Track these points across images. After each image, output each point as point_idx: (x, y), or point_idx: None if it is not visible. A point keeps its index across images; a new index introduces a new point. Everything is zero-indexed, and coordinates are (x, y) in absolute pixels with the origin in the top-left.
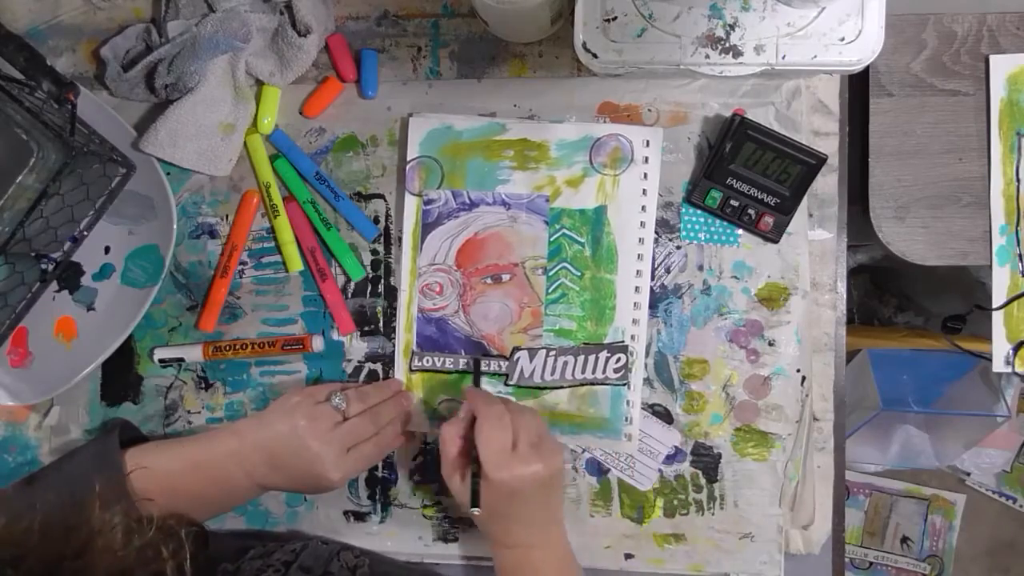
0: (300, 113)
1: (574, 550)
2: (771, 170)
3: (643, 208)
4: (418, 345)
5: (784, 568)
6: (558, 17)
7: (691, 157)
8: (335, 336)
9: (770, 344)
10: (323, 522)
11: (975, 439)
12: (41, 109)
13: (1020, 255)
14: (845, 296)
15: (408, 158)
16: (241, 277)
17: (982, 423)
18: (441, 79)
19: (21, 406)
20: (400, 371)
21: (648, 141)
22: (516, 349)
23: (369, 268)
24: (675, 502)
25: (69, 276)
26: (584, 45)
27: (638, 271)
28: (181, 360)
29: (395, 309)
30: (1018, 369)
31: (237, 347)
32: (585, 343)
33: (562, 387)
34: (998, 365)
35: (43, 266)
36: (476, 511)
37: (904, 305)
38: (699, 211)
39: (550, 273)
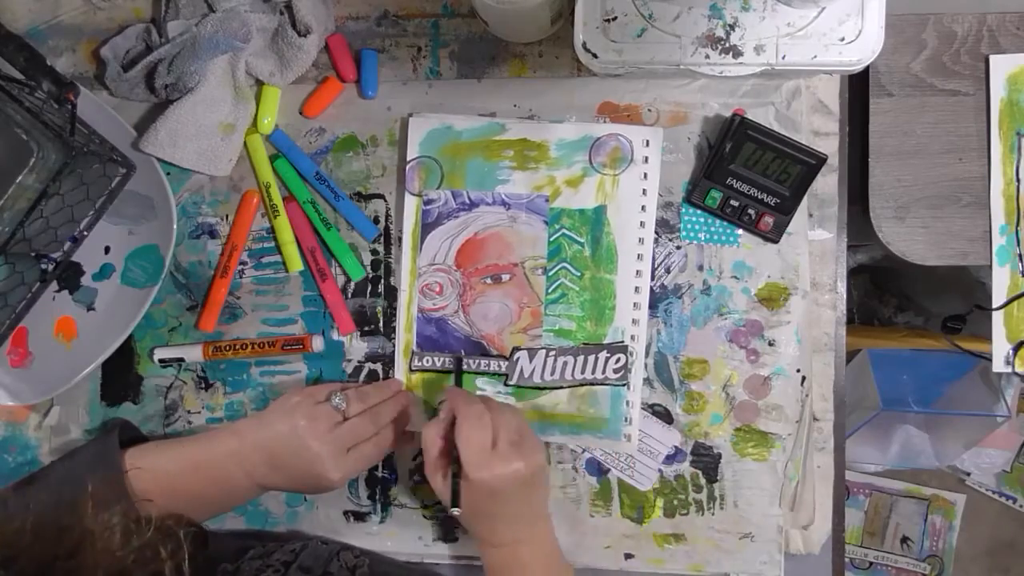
0: (300, 113)
1: (574, 550)
2: (771, 170)
3: (643, 208)
4: (418, 345)
5: (784, 568)
6: (558, 17)
7: (691, 157)
8: (335, 336)
9: (770, 344)
10: (323, 522)
11: (975, 439)
12: (41, 109)
13: (1020, 255)
14: (845, 296)
15: (408, 158)
16: (241, 277)
17: (982, 423)
18: (441, 79)
19: (21, 406)
20: (400, 371)
21: (648, 141)
22: (516, 349)
23: (369, 268)
24: (675, 502)
25: (69, 276)
26: (584, 45)
27: (638, 271)
28: (181, 360)
29: (395, 309)
30: (1018, 369)
31: (237, 347)
32: (585, 343)
33: (562, 387)
34: (998, 365)
35: (43, 266)
36: (456, 511)
37: (904, 305)
38: (699, 211)
39: (550, 273)
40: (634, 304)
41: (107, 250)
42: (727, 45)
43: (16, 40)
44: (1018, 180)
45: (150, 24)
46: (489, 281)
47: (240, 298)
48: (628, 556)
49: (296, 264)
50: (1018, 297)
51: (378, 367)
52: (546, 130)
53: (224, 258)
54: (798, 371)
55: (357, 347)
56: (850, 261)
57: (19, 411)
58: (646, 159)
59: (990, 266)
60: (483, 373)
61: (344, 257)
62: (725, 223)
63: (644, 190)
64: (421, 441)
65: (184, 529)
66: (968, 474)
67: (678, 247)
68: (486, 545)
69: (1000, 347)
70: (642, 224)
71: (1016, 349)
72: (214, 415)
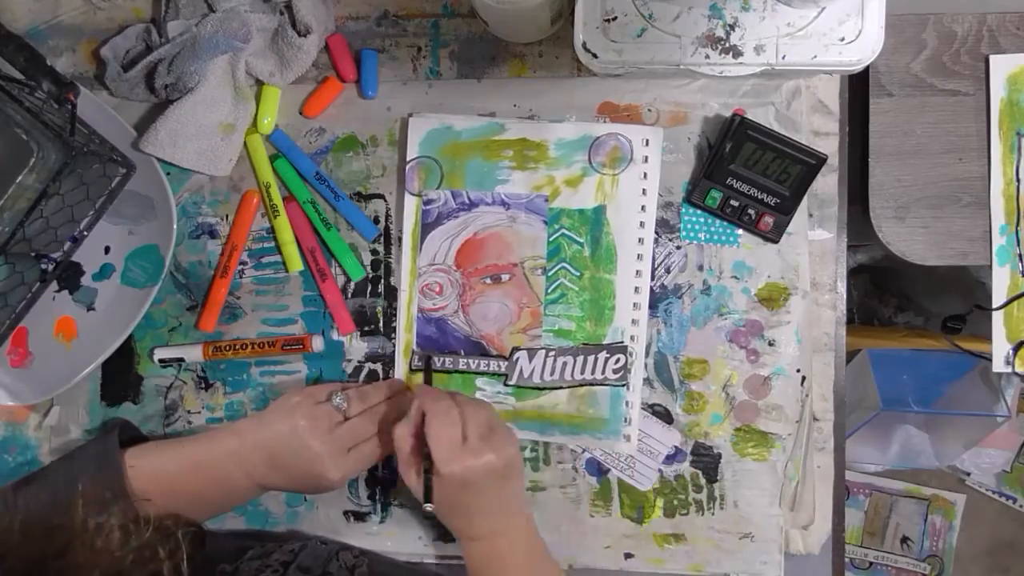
0: (300, 113)
1: (574, 550)
2: (771, 170)
3: (643, 208)
4: (418, 345)
5: (784, 568)
6: (558, 17)
7: (691, 157)
8: (335, 336)
9: (770, 344)
10: (323, 522)
11: (975, 439)
12: (41, 109)
13: (1020, 255)
14: (845, 296)
15: (408, 158)
16: (241, 277)
17: (982, 423)
18: (441, 79)
19: (21, 406)
20: (400, 371)
21: (648, 141)
22: (515, 349)
23: (369, 268)
24: (675, 502)
25: (69, 276)
26: (584, 45)
27: (638, 271)
28: (181, 360)
29: (395, 309)
30: (1018, 369)
31: (237, 347)
32: (584, 343)
33: (561, 387)
34: (998, 365)
35: (43, 266)
36: (429, 506)
37: (904, 305)
38: (699, 211)
39: (549, 273)
40: (634, 304)
41: (107, 250)
42: (727, 45)
43: (16, 40)
44: (1018, 180)
45: (150, 24)
46: (489, 281)
47: (240, 298)
48: (628, 556)
49: (296, 264)
50: (1018, 297)
51: (378, 367)
52: (545, 130)
53: (224, 258)
54: (798, 371)
55: (357, 347)
56: (850, 261)
57: (19, 411)
58: (646, 159)
59: (990, 266)
60: (483, 373)
61: (344, 257)
62: (725, 223)
63: (644, 190)
64: (394, 441)
65: (183, 529)
66: (968, 474)
67: (678, 247)
68: (465, 539)
69: (1000, 347)
70: (642, 224)
71: (1016, 349)
72: (214, 415)
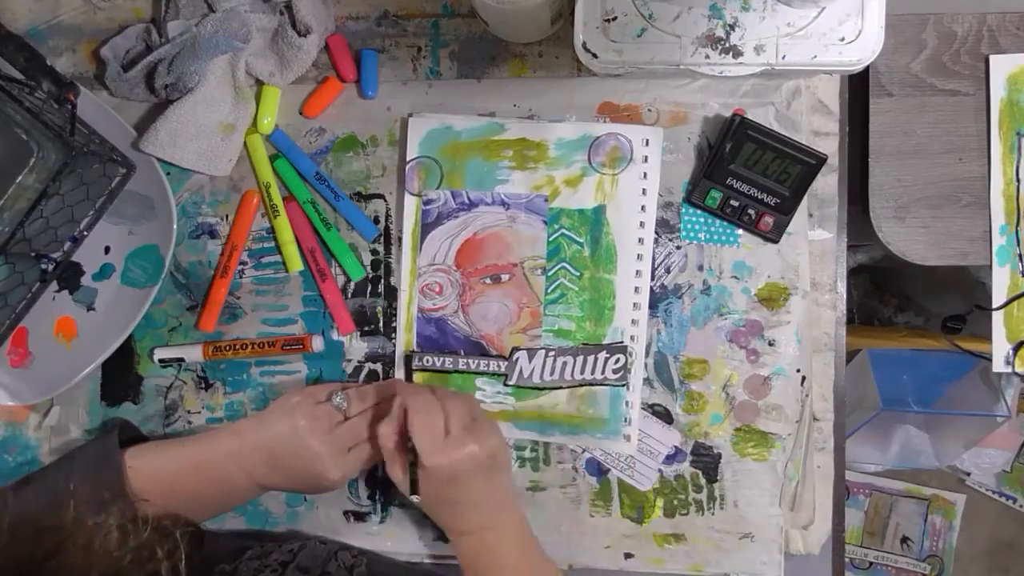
0: (300, 113)
1: (574, 550)
2: (771, 170)
3: (643, 208)
4: (418, 345)
5: (784, 568)
6: (558, 17)
7: (691, 157)
8: (335, 336)
9: (770, 344)
10: (323, 522)
11: (975, 439)
12: (41, 109)
13: (1020, 255)
14: (845, 296)
15: (408, 158)
16: (241, 277)
17: (982, 423)
18: (441, 79)
19: (21, 406)
20: (400, 371)
21: (648, 140)
22: (515, 349)
23: (369, 268)
24: (675, 502)
25: (69, 276)
26: (584, 45)
27: (638, 271)
28: (181, 360)
29: (395, 309)
30: (1018, 369)
31: (237, 347)
32: (584, 343)
33: (561, 387)
34: (998, 365)
35: (43, 266)
36: (416, 498)
37: (904, 305)
38: (699, 211)
39: (549, 273)
40: (634, 304)
41: (107, 250)
42: (727, 45)
43: (16, 40)
44: (1018, 180)
45: (150, 24)
46: (488, 281)
47: (240, 298)
48: (628, 556)
49: (296, 264)
50: (1018, 297)
51: (378, 367)
52: (545, 130)
53: (224, 258)
54: (798, 371)
55: (357, 347)
56: (850, 261)
57: (19, 411)
58: (646, 159)
59: (990, 266)
60: (483, 373)
61: (344, 257)
62: (725, 223)
63: (644, 190)
64: (379, 440)
65: (181, 529)
66: (968, 474)
67: (678, 247)
68: (455, 535)
69: (1000, 347)
70: (642, 224)
71: (1016, 349)
72: (214, 415)
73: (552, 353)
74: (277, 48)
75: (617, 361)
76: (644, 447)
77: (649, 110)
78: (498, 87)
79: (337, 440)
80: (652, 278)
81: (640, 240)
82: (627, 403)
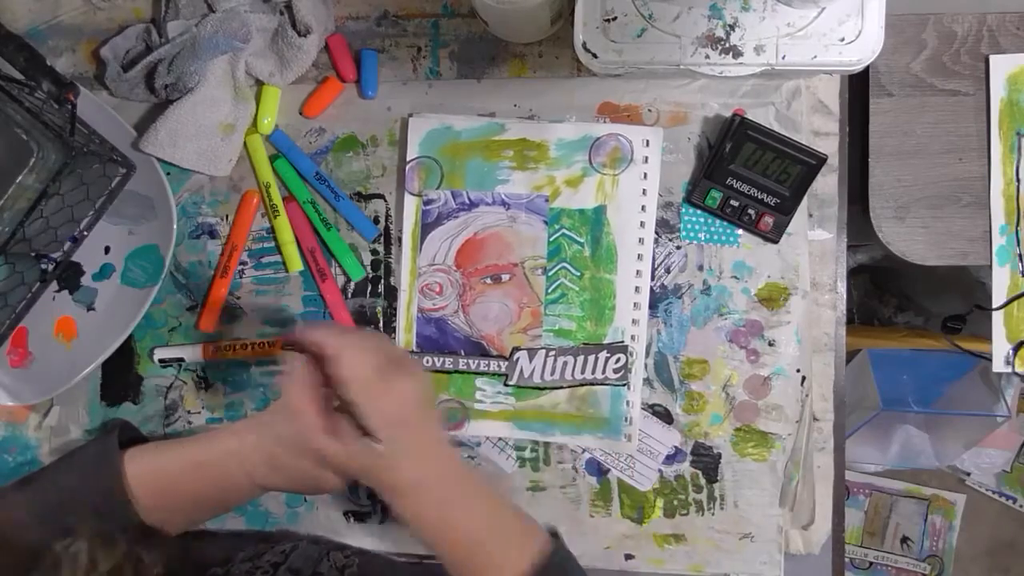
0: (300, 113)
1: (575, 550)
2: (771, 170)
3: (643, 208)
4: (418, 345)
5: (784, 568)
6: (558, 17)
7: (691, 157)
8: None
9: (770, 344)
10: (323, 522)
11: (975, 439)
12: (41, 109)
13: (1020, 255)
14: (845, 296)
15: (408, 158)
16: (241, 277)
17: (982, 423)
18: (441, 79)
19: (21, 406)
20: None
21: (648, 141)
22: (516, 349)
23: (369, 268)
24: (675, 502)
25: (69, 276)
26: (584, 45)
27: (638, 271)
28: (181, 360)
29: (395, 309)
30: (1018, 369)
31: (237, 347)
32: (585, 343)
33: (561, 387)
34: (998, 365)
35: (43, 266)
36: (380, 447)
37: (904, 305)
38: (699, 211)
39: (549, 273)
40: (634, 304)
41: (107, 250)
42: (727, 45)
43: (16, 40)
44: (1018, 180)
45: (150, 24)
46: (489, 281)
47: (240, 298)
48: (628, 556)
49: (296, 264)
50: (1018, 297)
51: None
52: (546, 130)
53: (224, 258)
54: (798, 371)
55: None
56: (850, 261)
57: (19, 411)
58: (646, 159)
59: (990, 266)
60: (483, 373)
61: (344, 257)
62: (725, 223)
63: (644, 190)
64: (291, 408)
65: (156, 549)
66: (968, 474)
67: (678, 247)
68: (396, 497)
69: (1000, 347)
70: (642, 224)
71: (1016, 349)
72: (214, 415)
73: (552, 353)
74: (277, 48)
75: (618, 361)
76: (644, 447)
77: (649, 110)
78: (498, 87)
79: None
80: (652, 278)
81: (640, 240)
82: (628, 403)
